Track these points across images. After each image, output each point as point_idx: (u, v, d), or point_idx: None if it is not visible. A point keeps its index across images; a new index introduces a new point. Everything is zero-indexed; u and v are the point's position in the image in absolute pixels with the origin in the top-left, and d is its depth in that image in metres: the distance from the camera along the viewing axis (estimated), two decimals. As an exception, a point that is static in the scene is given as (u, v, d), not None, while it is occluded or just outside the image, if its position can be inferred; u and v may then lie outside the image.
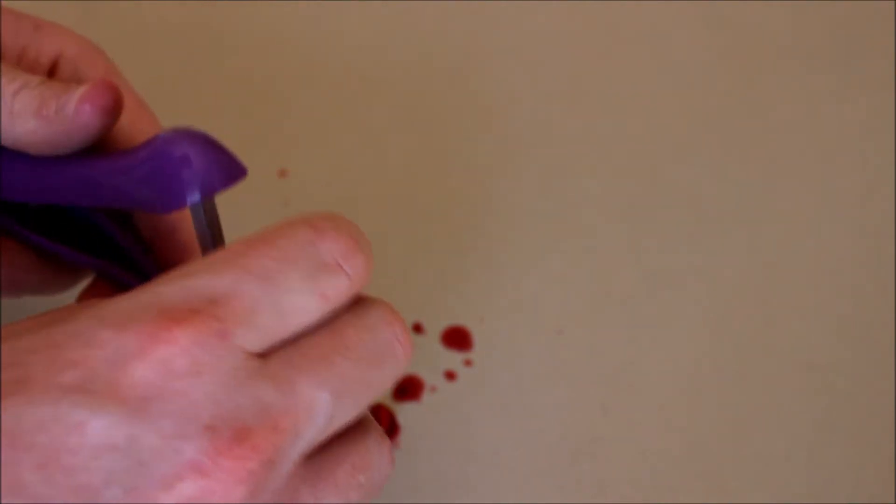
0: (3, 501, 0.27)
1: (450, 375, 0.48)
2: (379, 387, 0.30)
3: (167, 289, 0.28)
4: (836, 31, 0.63)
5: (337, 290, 0.30)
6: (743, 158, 0.57)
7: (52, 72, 0.41)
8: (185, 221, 0.39)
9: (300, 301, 0.29)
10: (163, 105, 0.57)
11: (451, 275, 0.51)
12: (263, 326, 0.28)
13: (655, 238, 0.54)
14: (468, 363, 0.49)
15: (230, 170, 0.33)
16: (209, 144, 0.33)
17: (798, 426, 0.47)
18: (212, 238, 0.34)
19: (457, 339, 0.49)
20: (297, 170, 0.54)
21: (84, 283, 0.41)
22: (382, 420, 0.46)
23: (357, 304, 0.31)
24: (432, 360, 0.48)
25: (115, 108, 0.36)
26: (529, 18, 0.62)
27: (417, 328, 0.49)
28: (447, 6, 0.62)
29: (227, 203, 0.37)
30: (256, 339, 0.28)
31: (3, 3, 0.41)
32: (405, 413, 0.47)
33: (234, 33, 0.61)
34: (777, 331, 0.51)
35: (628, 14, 0.63)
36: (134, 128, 0.39)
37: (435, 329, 0.49)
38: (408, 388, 0.48)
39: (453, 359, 0.49)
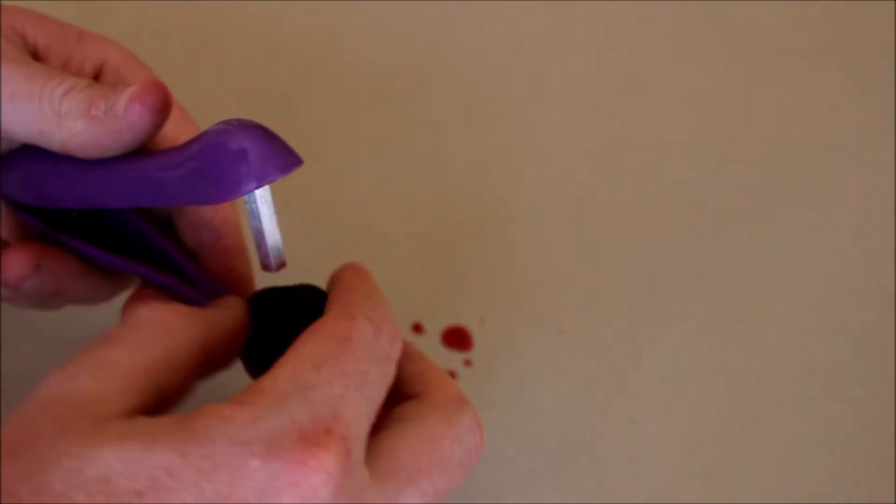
0: None
1: (450, 375, 0.48)
2: (456, 488, 0.33)
3: (294, 405, 0.29)
4: (837, 31, 0.63)
5: (393, 376, 0.33)
6: (743, 158, 0.57)
7: (95, 79, 0.40)
8: (228, 227, 0.40)
9: (380, 399, 0.32)
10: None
11: (451, 275, 0.51)
12: (365, 432, 0.31)
13: (655, 238, 0.54)
14: (468, 363, 0.49)
15: (285, 159, 0.33)
16: (264, 134, 0.33)
17: (798, 426, 0.47)
18: (267, 231, 0.34)
19: (457, 339, 0.49)
20: (297, 170, 0.54)
21: (129, 292, 0.41)
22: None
23: (451, 406, 0.34)
24: (432, 360, 0.48)
25: (164, 108, 0.36)
26: (530, 19, 0.62)
27: (417, 328, 0.49)
28: (447, 6, 0.62)
29: (227, 203, 0.37)
30: (362, 448, 0.30)
31: (31, 9, 0.41)
32: (405, 413, 0.47)
33: (234, 33, 0.61)
34: (777, 331, 0.51)
35: (628, 14, 0.63)
36: (177, 131, 0.39)
37: (435, 329, 0.49)
38: (408, 388, 0.48)
39: (453, 359, 0.49)
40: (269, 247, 0.35)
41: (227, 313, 0.35)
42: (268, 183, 0.33)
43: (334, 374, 0.30)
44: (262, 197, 0.34)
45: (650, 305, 0.51)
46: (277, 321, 0.35)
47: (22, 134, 0.37)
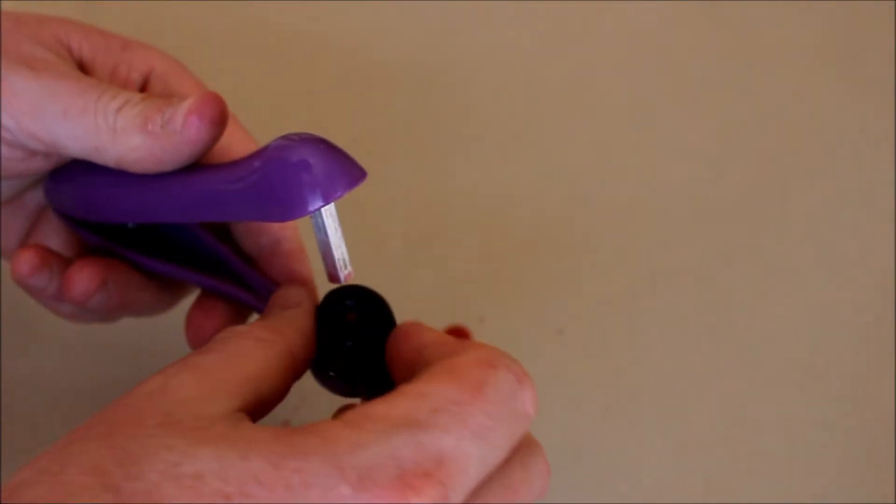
0: None
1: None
2: None
3: (401, 441, 0.28)
4: (837, 32, 0.63)
5: (522, 436, 0.31)
6: (743, 158, 0.57)
7: (143, 88, 0.40)
8: (287, 230, 0.39)
9: (501, 456, 0.30)
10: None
11: (451, 275, 0.51)
12: (470, 485, 0.29)
13: (655, 238, 0.54)
14: (468, 363, 0.49)
15: (350, 173, 0.32)
16: (327, 148, 0.32)
17: (798, 426, 0.47)
18: (333, 243, 0.33)
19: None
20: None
21: (189, 301, 0.41)
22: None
23: (525, 449, 0.31)
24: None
25: (222, 120, 0.35)
26: (530, 19, 0.62)
27: (417, 328, 0.49)
28: (448, 7, 0.62)
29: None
30: (462, 496, 0.29)
31: (74, 19, 0.41)
32: (405, 413, 0.47)
33: (233, 34, 0.61)
34: (777, 331, 0.51)
35: (629, 14, 0.63)
36: (231, 140, 0.39)
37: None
38: (408, 388, 0.48)
39: (453, 359, 0.49)
40: (336, 258, 0.34)
41: (302, 317, 0.35)
42: (334, 199, 0.32)
43: (453, 421, 0.29)
44: (328, 211, 0.33)
45: (650, 305, 0.51)
46: (345, 324, 0.35)
47: (76, 150, 0.36)
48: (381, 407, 0.29)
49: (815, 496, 0.45)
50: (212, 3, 0.62)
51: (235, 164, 0.34)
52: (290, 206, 0.31)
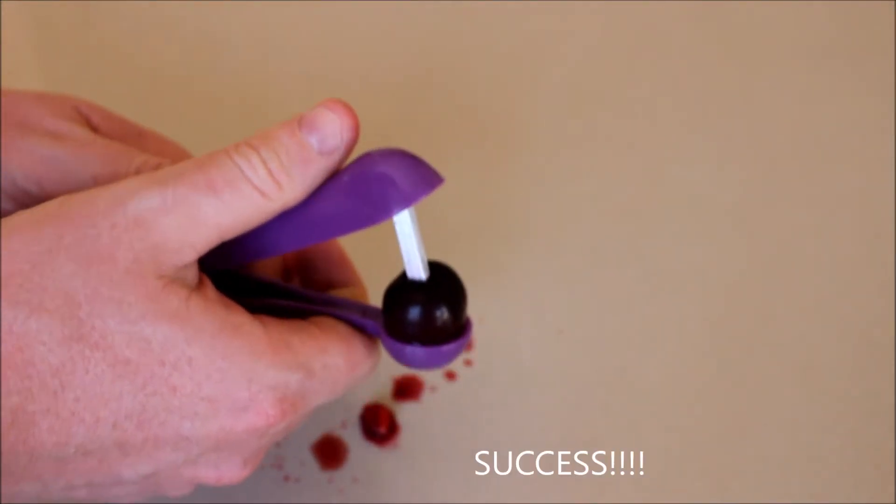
0: None
1: (450, 375, 0.48)
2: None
3: (294, 378, 0.36)
4: (837, 31, 0.63)
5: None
6: (743, 158, 0.57)
7: None
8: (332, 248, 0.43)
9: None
10: (163, 105, 0.57)
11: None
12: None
13: (655, 238, 0.54)
14: (468, 363, 0.49)
15: (428, 178, 0.36)
16: (405, 157, 0.36)
17: (798, 426, 0.47)
18: (414, 243, 0.36)
19: (457, 339, 0.49)
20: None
21: None
22: (382, 420, 0.46)
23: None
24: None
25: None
26: (530, 19, 0.62)
27: (417, 328, 0.49)
28: (448, 7, 0.62)
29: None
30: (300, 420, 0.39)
31: (99, 105, 0.42)
32: (405, 413, 0.47)
33: (233, 34, 0.61)
34: (777, 331, 0.51)
35: (629, 14, 0.63)
36: (163, 151, 0.43)
37: (435, 329, 0.49)
38: (408, 388, 0.48)
39: (453, 359, 0.49)
40: (419, 258, 0.37)
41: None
42: (415, 202, 0.35)
43: (328, 382, 0.37)
44: (410, 214, 0.36)
45: (650, 305, 0.51)
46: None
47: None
48: (297, 343, 0.36)
49: (815, 496, 0.45)
50: (212, 3, 0.62)
51: (329, 183, 0.36)
52: (378, 210, 0.35)
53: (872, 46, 0.62)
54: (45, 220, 0.33)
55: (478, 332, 0.50)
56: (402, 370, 0.48)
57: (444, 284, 0.37)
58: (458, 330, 0.38)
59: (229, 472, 0.37)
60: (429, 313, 0.37)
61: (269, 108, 0.57)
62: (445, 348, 0.37)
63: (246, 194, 0.34)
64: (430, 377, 0.48)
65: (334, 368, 0.37)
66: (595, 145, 0.57)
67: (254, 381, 0.34)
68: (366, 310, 0.40)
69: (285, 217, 0.36)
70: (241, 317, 0.35)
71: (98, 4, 0.61)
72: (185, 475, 0.36)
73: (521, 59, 0.61)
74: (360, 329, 0.39)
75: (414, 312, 0.37)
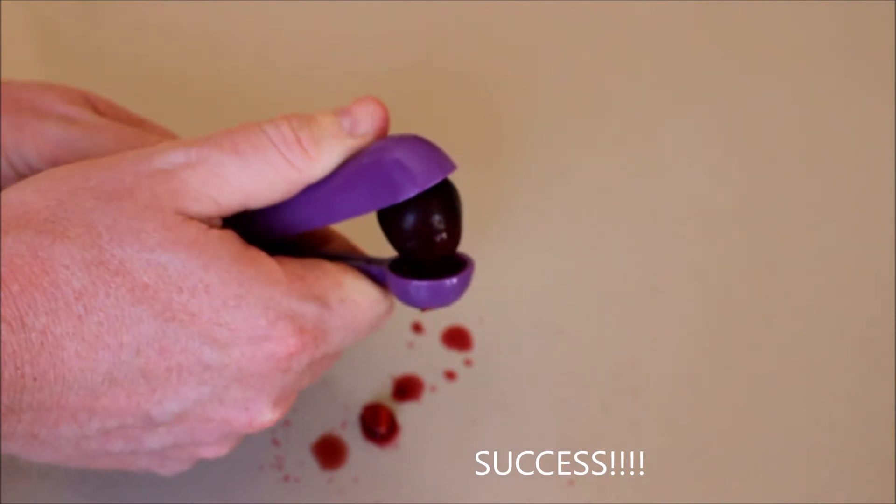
0: None
1: (450, 375, 0.48)
2: None
3: (310, 309, 0.37)
4: (837, 31, 0.63)
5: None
6: (743, 158, 0.57)
7: None
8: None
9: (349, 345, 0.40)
10: (163, 104, 0.57)
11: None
12: (330, 350, 0.38)
13: (655, 238, 0.54)
14: (468, 363, 0.49)
15: (440, 163, 0.37)
16: (417, 143, 0.37)
17: (798, 426, 0.47)
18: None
19: (457, 339, 0.49)
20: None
21: None
22: (382, 420, 0.46)
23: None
24: (432, 360, 0.49)
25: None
26: (530, 19, 0.62)
27: (417, 328, 0.49)
28: (449, 7, 0.62)
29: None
30: (321, 356, 0.38)
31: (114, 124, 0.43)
32: (405, 413, 0.47)
33: (233, 34, 0.61)
34: (777, 331, 0.51)
35: (629, 14, 0.63)
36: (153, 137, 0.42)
37: (435, 329, 0.49)
38: (408, 388, 0.48)
39: (453, 359, 0.49)
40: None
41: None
42: (428, 186, 0.36)
43: (345, 318, 0.38)
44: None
45: (650, 305, 0.51)
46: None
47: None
48: (311, 277, 0.37)
49: (815, 496, 0.45)
50: (212, 3, 0.62)
51: (349, 165, 0.37)
52: (393, 192, 0.36)
53: (872, 46, 0.62)
54: (76, 168, 0.35)
55: (478, 332, 0.50)
56: (402, 370, 0.48)
57: (436, 190, 0.38)
58: (460, 263, 0.39)
59: (259, 413, 0.37)
60: (424, 217, 0.37)
61: (270, 108, 0.57)
62: (448, 282, 0.38)
63: (271, 159, 0.36)
64: (430, 377, 0.48)
65: (351, 303, 0.38)
66: (595, 145, 0.57)
67: (270, 309, 0.35)
68: (370, 259, 0.40)
69: (305, 194, 0.37)
70: (257, 251, 0.36)
71: (98, 4, 0.61)
72: (214, 418, 0.36)
73: (521, 59, 0.61)
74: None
75: (409, 219, 0.37)
